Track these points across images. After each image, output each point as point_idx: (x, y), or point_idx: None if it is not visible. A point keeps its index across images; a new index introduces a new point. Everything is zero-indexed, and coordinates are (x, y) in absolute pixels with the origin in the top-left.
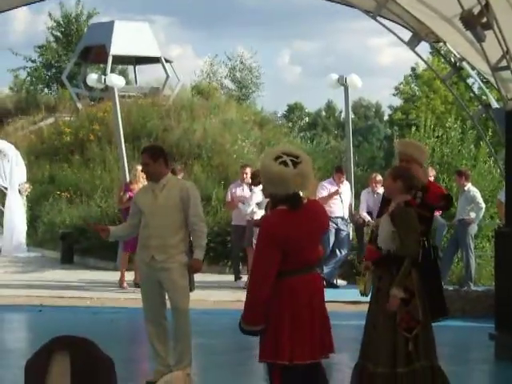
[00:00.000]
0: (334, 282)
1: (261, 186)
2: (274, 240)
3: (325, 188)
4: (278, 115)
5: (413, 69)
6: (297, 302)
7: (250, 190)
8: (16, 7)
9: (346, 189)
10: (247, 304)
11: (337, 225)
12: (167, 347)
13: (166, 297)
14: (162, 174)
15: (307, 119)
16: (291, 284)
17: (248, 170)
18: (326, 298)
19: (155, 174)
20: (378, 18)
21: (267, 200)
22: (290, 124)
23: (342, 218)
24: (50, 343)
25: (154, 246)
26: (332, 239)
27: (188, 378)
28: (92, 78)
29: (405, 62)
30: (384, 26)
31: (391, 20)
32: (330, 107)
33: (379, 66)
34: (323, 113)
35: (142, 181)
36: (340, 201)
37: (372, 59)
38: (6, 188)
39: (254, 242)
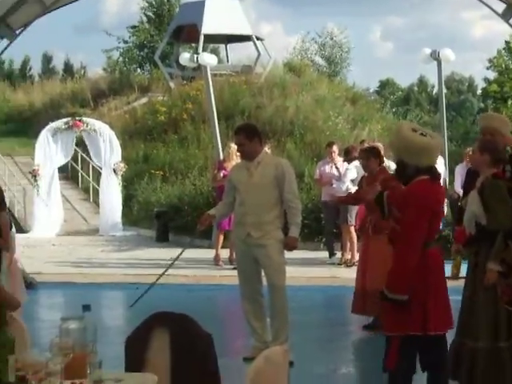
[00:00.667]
0: None
1: (355, 163)
2: (425, 210)
3: None
4: (370, 91)
5: (507, 42)
6: (440, 271)
7: (344, 166)
8: None
9: (439, 163)
10: (395, 272)
11: None
12: (264, 324)
13: (262, 274)
14: (257, 152)
15: (399, 94)
16: (435, 254)
17: (335, 148)
18: None
19: (251, 153)
20: None
21: (361, 176)
22: (383, 100)
23: None
24: (149, 319)
25: (249, 222)
26: None
27: (286, 353)
28: (185, 57)
29: (498, 35)
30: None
31: None
32: (422, 82)
33: (472, 39)
34: (415, 88)
35: (236, 158)
36: None
37: (464, 33)
38: (101, 168)
39: (349, 219)
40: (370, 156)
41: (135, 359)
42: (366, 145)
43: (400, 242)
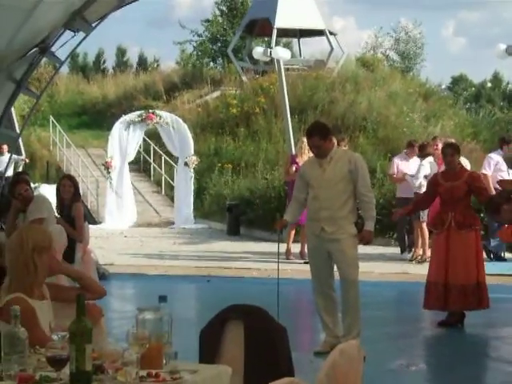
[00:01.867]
0: (502, 254)
1: (429, 159)
2: None
3: (491, 160)
4: (442, 87)
5: None
6: None
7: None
8: None
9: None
10: None
11: None
12: (336, 318)
13: (335, 268)
14: (331, 149)
15: (472, 90)
16: None
17: (416, 149)
18: (493, 271)
19: (326, 152)
20: None
21: (434, 172)
22: (455, 96)
23: None
24: (224, 312)
25: (323, 217)
26: None
27: (361, 348)
28: (258, 50)
29: None
30: None
31: None
32: (496, 78)
33: None
34: (488, 84)
35: (308, 153)
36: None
37: None
38: (174, 161)
39: (422, 215)
40: (454, 152)
41: (209, 351)
42: (438, 141)
43: None
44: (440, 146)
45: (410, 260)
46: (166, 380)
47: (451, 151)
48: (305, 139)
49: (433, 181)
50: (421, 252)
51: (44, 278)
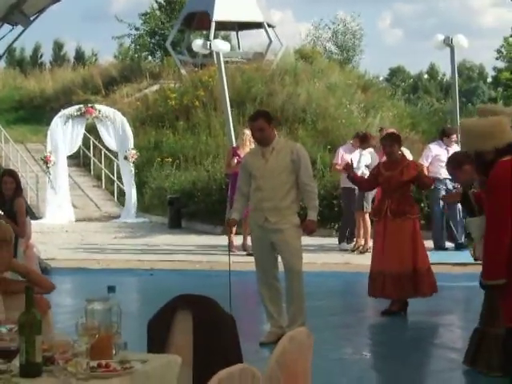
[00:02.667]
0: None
1: (370, 149)
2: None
3: (430, 152)
4: (380, 79)
5: None
6: None
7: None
8: None
9: (455, 150)
10: (487, 257)
11: (446, 186)
12: (280, 308)
13: (279, 259)
14: (273, 137)
15: (409, 82)
16: None
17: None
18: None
19: (269, 138)
20: None
21: (377, 162)
22: (393, 87)
23: (451, 179)
24: (172, 302)
25: (266, 208)
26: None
27: (311, 335)
28: (197, 43)
29: (507, 23)
30: None
31: None
32: (432, 70)
33: (481, 27)
34: (425, 76)
35: (249, 145)
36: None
37: (473, 21)
38: (114, 155)
39: (366, 205)
40: (394, 143)
41: (158, 341)
42: (384, 132)
43: (489, 226)
44: None
45: (352, 250)
46: (116, 370)
47: (390, 142)
48: (246, 131)
49: (375, 171)
50: (363, 242)
51: (3, 271)
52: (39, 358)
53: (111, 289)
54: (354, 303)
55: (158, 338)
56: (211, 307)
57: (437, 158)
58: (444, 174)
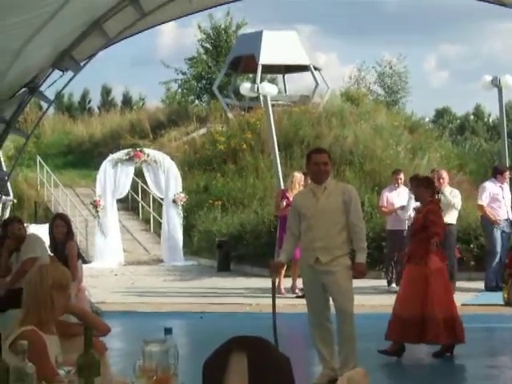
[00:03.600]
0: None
1: None
2: None
3: (486, 190)
4: (426, 120)
5: None
6: None
7: (408, 195)
8: (166, 22)
9: (507, 189)
10: None
11: (503, 227)
12: (333, 350)
13: (330, 300)
14: (328, 176)
15: (456, 123)
16: None
17: (401, 176)
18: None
19: (327, 175)
20: None
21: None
22: (439, 128)
23: (507, 220)
24: (227, 343)
25: (318, 247)
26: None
27: (367, 376)
28: (245, 86)
29: None
30: None
31: None
32: (478, 110)
33: None
34: (471, 117)
35: (298, 187)
36: (504, 203)
37: None
38: (162, 199)
39: None
40: (419, 185)
41: (213, 383)
42: (435, 173)
43: None
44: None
45: (395, 292)
46: None
47: (415, 183)
48: (296, 173)
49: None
50: None
51: (59, 316)
52: None
53: (168, 331)
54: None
55: (213, 380)
56: (266, 349)
57: (494, 197)
58: (502, 215)
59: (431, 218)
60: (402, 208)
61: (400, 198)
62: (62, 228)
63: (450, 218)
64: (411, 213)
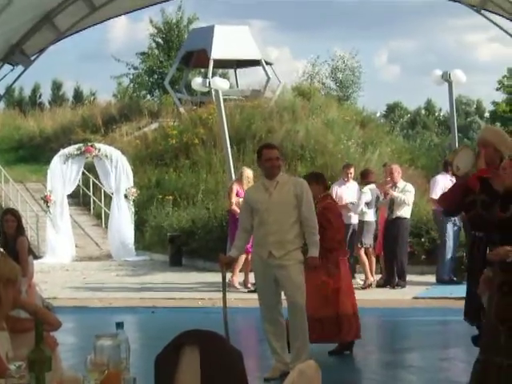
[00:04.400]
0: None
1: (370, 186)
2: None
3: (439, 182)
4: (377, 115)
5: None
6: None
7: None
8: (116, 16)
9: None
10: None
11: (455, 221)
12: (284, 344)
13: (282, 295)
14: (280, 170)
15: (407, 117)
16: None
17: (352, 170)
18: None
19: (278, 170)
20: (482, 11)
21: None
22: (391, 123)
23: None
24: (179, 337)
25: (271, 242)
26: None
27: (319, 368)
28: (197, 81)
29: (503, 58)
30: (489, 19)
31: (496, 13)
32: (429, 105)
33: (477, 63)
34: (422, 111)
35: (247, 184)
36: None
37: (469, 57)
38: (112, 193)
39: (363, 241)
40: (309, 182)
41: (166, 377)
42: (388, 167)
43: None
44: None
45: (363, 287)
46: None
47: (310, 180)
48: (245, 169)
49: None
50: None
51: (9, 311)
52: None
53: (119, 325)
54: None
55: (165, 374)
56: (218, 342)
57: (446, 190)
58: None
59: (328, 217)
60: (352, 204)
61: (350, 192)
62: (12, 223)
63: (404, 212)
64: (363, 207)
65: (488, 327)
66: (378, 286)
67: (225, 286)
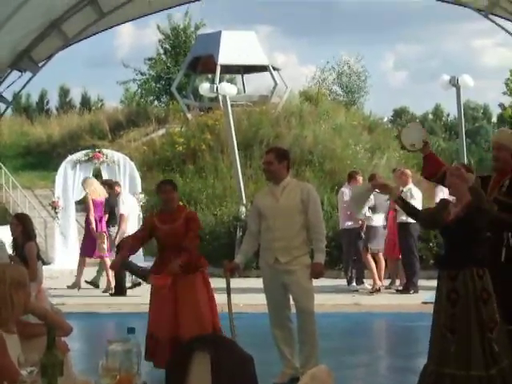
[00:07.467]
0: None
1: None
2: None
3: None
4: (385, 120)
5: None
6: None
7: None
8: (124, 22)
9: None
10: None
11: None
12: (294, 349)
13: (291, 300)
14: (283, 176)
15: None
16: None
17: (360, 178)
18: None
19: (276, 174)
20: (490, 16)
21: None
22: (398, 128)
23: None
24: (190, 342)
25: (277, 247)
26: None
27: (331, 373)
28: (204, 87)
29: (510, 63)
30: (497, 24)
31: (504, 18)
32: (437, 110)
33: (484, 67)
34: (430, 116)
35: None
36: None
37: (476, 61)
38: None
39: (369, 246)
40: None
41: (176, 382)
42: (397, 172)
43: None
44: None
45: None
46: None
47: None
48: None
49: None
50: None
51: (20, 314)
52: None
53: (131, 330)
54: (367, 344)
55: (176, 379)
56: (229, 347)
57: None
58: None
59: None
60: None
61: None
62: (15, 226)
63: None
64: (366, 211)
65: (436, 337)
66: (397, 291)
67: (229, 292)
